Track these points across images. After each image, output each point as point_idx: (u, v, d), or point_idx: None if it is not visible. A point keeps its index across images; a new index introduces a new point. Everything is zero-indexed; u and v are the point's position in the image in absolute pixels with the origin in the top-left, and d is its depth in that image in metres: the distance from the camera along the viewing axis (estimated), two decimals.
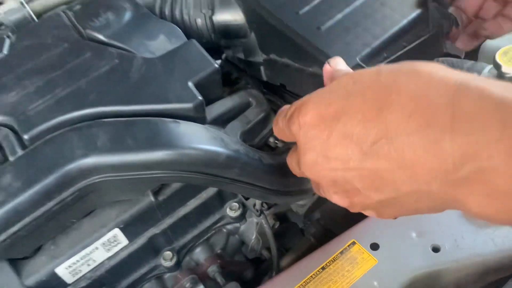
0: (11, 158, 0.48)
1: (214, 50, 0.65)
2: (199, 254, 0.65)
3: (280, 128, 0.41)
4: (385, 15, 0.52)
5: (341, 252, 0.46)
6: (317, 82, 0.51)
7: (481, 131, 0.28)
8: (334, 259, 0.45)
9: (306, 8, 0.54)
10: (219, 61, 0.67)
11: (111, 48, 0.56)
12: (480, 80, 0.30)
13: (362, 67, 0.47)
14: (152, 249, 0.59)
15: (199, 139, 0.50)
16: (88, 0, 0.62)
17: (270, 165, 0.53)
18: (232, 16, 0.59)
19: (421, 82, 0.31)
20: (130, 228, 0.55)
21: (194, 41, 0.55)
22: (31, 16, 0.63)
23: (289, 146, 0.61)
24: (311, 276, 0.46)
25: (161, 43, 0.57)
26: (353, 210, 0.39)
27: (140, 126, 0.49)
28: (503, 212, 0.29)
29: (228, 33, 0.60)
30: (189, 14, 0.60)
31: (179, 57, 0.54)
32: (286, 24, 0.53)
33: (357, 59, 0.48)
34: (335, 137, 0.35)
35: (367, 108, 0.33)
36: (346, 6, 0.53)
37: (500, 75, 0.60)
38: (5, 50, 0.58)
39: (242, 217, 0.64)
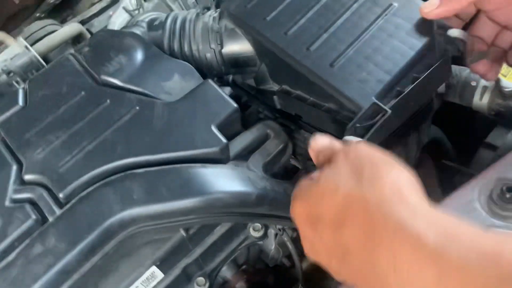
0: (50, 218, 0.50)
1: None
2: (226, 272, 0.69)
3: None
4: (394, 48, 0.53)
5: None
6: (333, 117, 0.53)
7: (419, 281, 0.30)
8: None
9: (316, 44, 0.54)
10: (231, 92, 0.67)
11: (129, 93, 0.56)
12: (417, 222, 0.32)
13: (379, 105, 0.50)
14: (185, 277, 0.62)
15: (229, 182, 0.52)
16: (94, 40, 0.62)
17: None
18: (240, 48, 0.59)
19: (369, 216, 0.34)
20: (165, 263, 0.58)
21: (210, 81, 0.57)
22: (37, 59, 0.63)
23: (307, 167, 0.63)
24: None
25: (176, 82, 0.58)
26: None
27: (171, 175, 0.51)
28: None
29: (237, 64, 0.61)
30: (198, 49, 0.60)
31: (198, 99, 0.56)
32: (298, 61, 0.54)
33: (373, 98, 0.50)
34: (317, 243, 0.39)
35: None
36: (354, 40, 0.54)
37: (499, 89, 0.63)
38: (21, 102, 0.58)
39: (264, 236, 0.67)
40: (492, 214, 0.51)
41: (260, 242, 0.69)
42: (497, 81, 0.62)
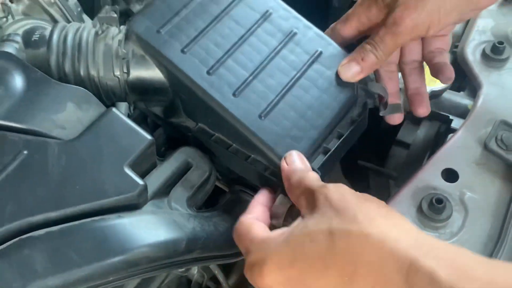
0: None
1: None
2: None
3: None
4: (322, 101, 0.50)
5: None
6: (258, 169, 0.49)
7: None
8: None
9: (244, 90, 0.49)
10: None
11: (11, 133, 0.45)
12: (429, 257, 0.32)
13: (316, 171, 0.46)
14: None
15: (153, 231, 0.45)
16: None
17: (226, 230, 0.51)
18: (151, 78, 0.50)
19: (375, 255, 0.33)
20: None
21: (114, 110, 0.48)
22: None
23: (233, 190, 0.58)
24: None
25: (71, 113, 0.48)
26: None
27: (81, 234, 0.43)
28: None
29: (145, 92, 0.52)
30: (99, 76, 0.50)
31: (103, 134, 0.47)
32: (224, 107, 0.48)
33: (311, 166, 0.46)
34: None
35: (331, 277, 0.35)
36: (283, 89, 0.50)
37: None
38: None
39: (188, 269, 0.62)
40: (424, 226, 0.52)
41: (185, 274, 0.63)
42: None
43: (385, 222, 0.35)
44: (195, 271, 0.68)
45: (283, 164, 0.44)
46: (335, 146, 0.49)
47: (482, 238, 0.51)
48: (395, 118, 0.58)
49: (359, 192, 0.41)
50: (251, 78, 0.50)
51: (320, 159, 0.48)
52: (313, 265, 0.36)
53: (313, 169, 0.46)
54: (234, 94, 0.48)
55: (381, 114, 0.55)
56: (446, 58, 0.57)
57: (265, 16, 0.54)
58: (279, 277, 0.37)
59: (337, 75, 0.52)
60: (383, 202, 0.39)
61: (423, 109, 0.58)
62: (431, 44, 0.57)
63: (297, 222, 0.39)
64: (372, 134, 0.68)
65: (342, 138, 0.50)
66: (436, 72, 0.56)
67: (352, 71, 0.51)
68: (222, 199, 0.57)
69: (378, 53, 0.51)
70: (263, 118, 0.48)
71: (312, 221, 0.37)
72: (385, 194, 0.73)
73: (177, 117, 0.53)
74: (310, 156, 0.47)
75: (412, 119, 0.73)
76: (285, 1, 0.56)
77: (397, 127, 0.73)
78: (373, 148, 0.76)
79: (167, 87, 0.51)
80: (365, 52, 0.51)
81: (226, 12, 0.54)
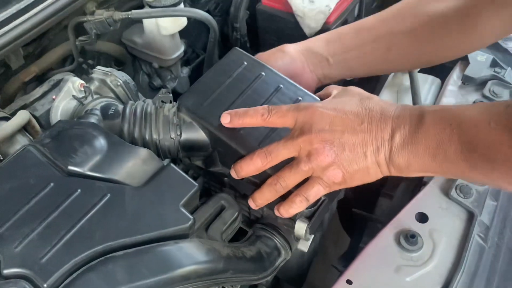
0: None
1: None
2: None
3: (282, 116, 0.64)
4: None
5: None
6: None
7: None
8: None
9: (265, 142, 0.66)
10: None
11: (98, 181, 0.62)
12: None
13: None
14: None
15: (200, 254, 0.61)
16: (55, 132, 0.66)
17: (251, 257, 0.67)
18: (197, 138, 0.69)
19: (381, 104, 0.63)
20: None
21: (172, 165, 0.65)
22: None
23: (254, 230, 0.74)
24: None
25: (139, 167, 0.65)
26: (331, 168, 0.61)
27: (149, 255, 0.58)
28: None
29: (191, 149, 0.70)
30: (159, 138, 0.68)
31: (164, 182, 0.63)
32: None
33: None
34: (339, 117, 0.61)
35: (358, 110, 0.62)
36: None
37: None
38: None
39: None
40: (401, 254, 0.68)
41: None
42: None
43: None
44: None
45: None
46: None
47: (447, 264, 0.67)
48: None
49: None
50: (270, 132, 0.67)
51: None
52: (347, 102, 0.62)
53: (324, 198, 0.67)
54: (258, 145, 0.66)
55: None
56: None
57: (277, 89, 0.72)
58: (324, 104, 0.62)
59: None
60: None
61: None
62: None
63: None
64: (363, 188, 0.85)
65: None
66: None
67: (225, 117, 0.66)
68: (248, 234, 0.73)
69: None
70: None
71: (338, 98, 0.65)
72: (374, 235, 0.88)
73: (215, 166, 0.70)
74: None
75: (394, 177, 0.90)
76: None
77: (383, 183, 0.90)
78: (364, 199, 0.92)
79: (207, 144, 0.69)
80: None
81: (249, 88, 0.72)
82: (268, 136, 0.67)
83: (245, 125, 0.66)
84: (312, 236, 0.70)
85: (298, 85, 0.73)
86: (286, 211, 0.63)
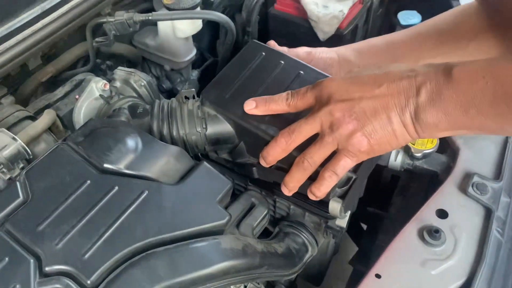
0: None
1: None
2: None
3: (303, 93, 0.64)
4: None
5: None
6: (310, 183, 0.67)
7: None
8: None
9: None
10: None
11: (134, 179, 0.63)
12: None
13: (348, 174, 0.66)
14: None
15: (238, 249, 0.62)
16: (88, 130, 0.66)
17: (282, 253, 0.68)
18: (222, 130, 0.69)
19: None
20: None
21: (205, 163, 0.66)
22: (25, 149, 0.65)
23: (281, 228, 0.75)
24: None
25: (172, 165, 0.66)
26: (355, 136, 0.59)
27: (190, 250, 0.59)
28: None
29: (218, 142, 0.71)
30: (186, 133, 0.69)
31: (199, 180, 0.64)
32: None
33: None
34: (356, 85, 0.59)
35: (376, 75, 0.60)
36: None
37: (408, 153, 0.84)
38: (21, 195, 0.60)
39: None
40: (426, 249, 0.70)
41: None
42: (408, 149, 0.83)
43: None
44: None
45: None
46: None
47: (469, 257, 0.70)
48: None
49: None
50: (295, 118, 0.66)
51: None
52: (365, 79, 0.60)
53: (355, 175, 0.66)
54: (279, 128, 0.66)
55: None
56: None
57: (298, 75, 0.73)
58: (341, 77, 0.61)
59: None
60: None
61: None
62: None
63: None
64: (377, 187, 0.88)
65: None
66: None
67: (249, 103, 0.67)
68: (275, 232, 0.74)
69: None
70: None
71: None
72: (390, 232, 0.91)
73: (242, 157, 0.71)
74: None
75: (407, 175, 0.93)
76: None
77: (396, 181, 0.93)
78: (379, 198, 0.95)
79: (233, 136, 0.70)
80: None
81: (270, 77, 0.72)
82: (293, 122, 0.68)
83: (271, 111, 0.66)
84: (349, 212, 0.71)
85: (318, 70, 0.74)
86: (318, 189, 0.62)
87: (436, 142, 0.83)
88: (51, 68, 0.89)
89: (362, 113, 0.59)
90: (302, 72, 0.73)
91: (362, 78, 0.60)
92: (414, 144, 0.83)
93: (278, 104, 0.65)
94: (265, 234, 0.73)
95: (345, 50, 0.77)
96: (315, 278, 0.86)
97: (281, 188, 0.66)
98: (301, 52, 0.75)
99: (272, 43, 0.76)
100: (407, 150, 0.84)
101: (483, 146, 0.84)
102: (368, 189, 0.82)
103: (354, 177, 0.65)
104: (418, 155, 0.83)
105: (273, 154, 0.64)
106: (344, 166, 0.61)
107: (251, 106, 0.66)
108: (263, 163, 0.66)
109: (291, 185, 0.64)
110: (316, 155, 0.62)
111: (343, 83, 0.61)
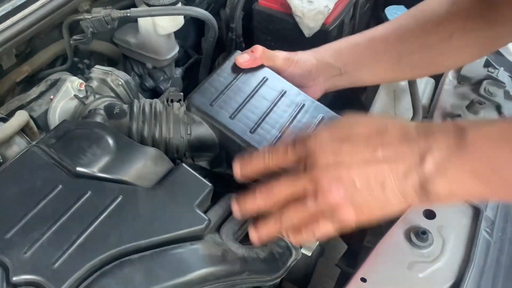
0: None
1: None
2: None
3: (283, 154, 0.56)
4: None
5: None
6: None
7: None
8: None
9: (275, 142, 0.66)
10: None
11: (108, 183, 0.60)
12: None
13: None
14: None
15: (217, 256, 0.59)
16: (61, 132, 0.63)
17: (265, 258, 0.65)
18: (206, 138, 0.68)
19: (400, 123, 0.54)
20: None
21: (184, 165, 0.63)
22: None
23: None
24: None
25: (150, 168, 0.63)
26: (341, 208, 0.52)
27: (167, 257, 0.56)
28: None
29: (200, 149, 0.69)
30: (169, 137, 0.67)
31: (177, 183, 0.62)
32: None
33: None
34: (345, 147, 0.52)
35: (369, 134, 0.52)
36: None
37: None
38: None
39: None
40: (412, 251, 0.68)
41: None
42: None
43: None
44: None
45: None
46: None
47: (457, 259, 0.68)
48: None
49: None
50: (280, 134, 0.67)
51: None
52: (357, 130, 0.52)
53: None
54: (270, 144, 0.65)
55: None
56: None
57: (282, 93, 0.73)
58: (328, 135, 0.52)
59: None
60: None
61: None
62: None
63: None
64: None
65: None
66: None
67: (244, 57, 0.71)
68: None
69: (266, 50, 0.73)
70: None
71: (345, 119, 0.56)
72: (377, 233, 0.89)
73: (221, 167, 0.69)
74: None
75: None
76: None
77: None
78: None
79: (216, 144, 0.68)
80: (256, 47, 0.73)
81: (256, 91, 0.72)
82: (276, 138, 0.67)
83: (254, 172, 0.58)
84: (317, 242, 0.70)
85: (300, 90, 0.74)
86: (293, 238, 0.57)
87: None
88: (27, 68, 0.86)
89: (351, 183, 0.51)
90: (286, 91, 0.73)
91: (353, 135, 0.52)
92: None
93: (257, 163, 0.57)
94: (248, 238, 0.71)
95: (324, 52, 0.74)
96: (301, 281, 0.83)
97: (250, 235, 0.59)
98: (279, 59, 0.73)
99: (260, 50, 0.74)
100: None
101: None
102: None
103: None
104: None
105: (247, 208, 0.57)
106: (326, 232, 0.55)
107: (236, 171, 0.59)
108: (235, 208, 0.58)
109: (262, 234, 0.58)
110: (296, 218, 0.55)
111: (330, 142, 0.53)
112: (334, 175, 0.51)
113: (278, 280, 0.69)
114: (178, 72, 1.11)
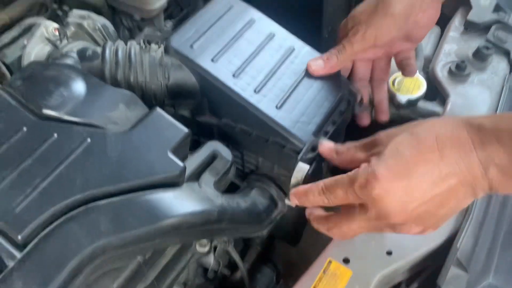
0: (10, 263, 0.48)
1: None
2: None
3: (344, 196, 0.53)
4: (322, 97, 0.65)
5: (324, 271, 0.58)
6: (277, 149, 0.62)
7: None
8: (320, 279, 0.57)
9: (263, 88, 0.62)
10: None
11: (76, 126, 0.56)
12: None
13: (317, 141, 0.60)
14: None
15: (192, 203, 0.56)
16: (27, 73, 0.59)
17: (246, 208, 0.62)
18: (186, 82, 0.63)
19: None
20: None
21: (159, 109, 0.59)
22: None
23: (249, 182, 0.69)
24: None
25: (122, 112, 0.59)
26: (422, 233, 0.53)
27: (136, 203, 0.53)
28: None
29: (179, 95, 0.64)
30: (146, 81, 0.62)
31: (150, 127, 0.58)
32: (248, 101, 0.61)
33: (313, 136, 0.61)
34: (411, 182, 0.49)
35: (426, 158, 0.49)
36: (292, 86, 0.64)
37: (393, 102, 0.77)
38: None
39: (210, 250, 0.71)
40: None
41: (206, 256, 0.73)
42: (392, 96, 0.75)
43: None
44: (211, 259, 0.77)
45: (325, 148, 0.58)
46: (332, 130, 0.63)
47: None
48: (364, 120, 0.73)
49: None
50: (266, 80, 0.63)
51: (323, 139, 0.61)
52: (413, 158, 0.49)
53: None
54: (255, 91, 0.61)
55: (355, 111, 0.70)
56: (409, 58, 0.71)
57: (270, 37, 0.68)
58: (390, 175, 0.49)
59: (327, 78, 0.66)
60: None
61: (384, 116, 0.75)
62: (400, 53, 0.71)
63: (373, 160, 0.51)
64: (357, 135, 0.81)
65: (336, 124, 0.63)
66: (402, 69, 0.72)
67: (317, 64, 0.65)
68: (242, 186, 0.68)
69: (340, 56, 0.65)
70: (279, 108, 0.60)
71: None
72: None
73: (203, 115, 0.65)
74: (315, 136, 0.60)
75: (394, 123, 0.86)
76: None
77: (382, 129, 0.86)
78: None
79: (197, 91, 0.64)
80: (331, 54, 0.66)
81: (241, 34, 0.67)
82: (263, 83, 0.63)
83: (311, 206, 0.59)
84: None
85: (289, 33, 0.70)
86: (321, 227, 0.57)
87: (422, 87, 0.75)
88: (4, 16, 0.81)
89: (423, 217, 0.51)
90: (275, 34, 0.68)
91: (411, 170, 0.49)
92: (398, 90, 0.75)
93: (315, 200, 0.56)
94: (230, 190, 0.67)
95: None
96: (292, 238, 0.80)
97: (290, 195, 0.59)
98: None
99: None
100: (391, 97, 0.76)
101: (476, 93, 0.77)
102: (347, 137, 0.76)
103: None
104: (403, 102, 0.75)
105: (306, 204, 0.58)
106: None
107: (293, 201, 0.58)
108: (293, 199, 0.58)
109: (301, 200, 0.58)
110: (351, 232, 0.55)
111: (394, 194, 0.49)
112: (406, 220, 0.51)
113: (264, 232, 0.65)
114: (168, 25, 1.05)
